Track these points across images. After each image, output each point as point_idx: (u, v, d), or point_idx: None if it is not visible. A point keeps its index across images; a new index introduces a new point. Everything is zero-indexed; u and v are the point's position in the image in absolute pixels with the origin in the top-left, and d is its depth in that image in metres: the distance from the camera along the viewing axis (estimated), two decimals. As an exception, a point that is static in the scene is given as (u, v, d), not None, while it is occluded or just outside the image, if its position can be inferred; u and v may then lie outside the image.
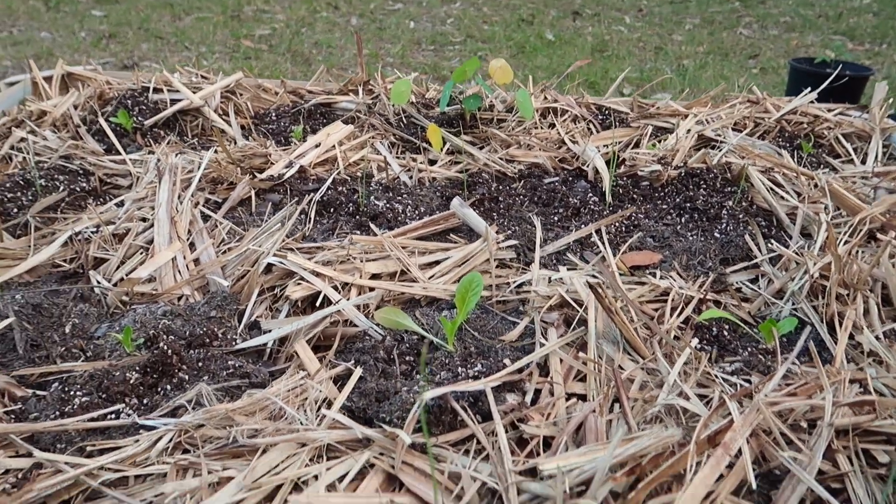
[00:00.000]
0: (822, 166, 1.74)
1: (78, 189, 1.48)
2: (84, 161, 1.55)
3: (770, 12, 5.86)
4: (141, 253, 1.28)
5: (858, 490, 0.79)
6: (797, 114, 1.93)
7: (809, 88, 1.99)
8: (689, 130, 1.80)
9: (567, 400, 0.95)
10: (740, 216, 1.46)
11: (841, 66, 3.40)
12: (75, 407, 0.94)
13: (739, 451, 0.80)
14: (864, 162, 1.76)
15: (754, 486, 0.77)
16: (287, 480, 0.79)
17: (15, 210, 1.40)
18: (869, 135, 1.85)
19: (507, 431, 0.87)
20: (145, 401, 0.96)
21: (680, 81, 4.15)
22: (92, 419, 0.91)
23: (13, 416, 0.94)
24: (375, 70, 4.01)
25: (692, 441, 0.79)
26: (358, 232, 1.38)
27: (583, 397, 0.97)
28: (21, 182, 1.46)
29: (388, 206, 1.45)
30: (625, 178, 1.58)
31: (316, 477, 0.80)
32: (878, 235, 1.29)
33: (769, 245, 1.36)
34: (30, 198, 1.43)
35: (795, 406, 0.86)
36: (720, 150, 1.68)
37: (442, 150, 1.68)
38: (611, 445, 0.78)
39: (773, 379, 0.90)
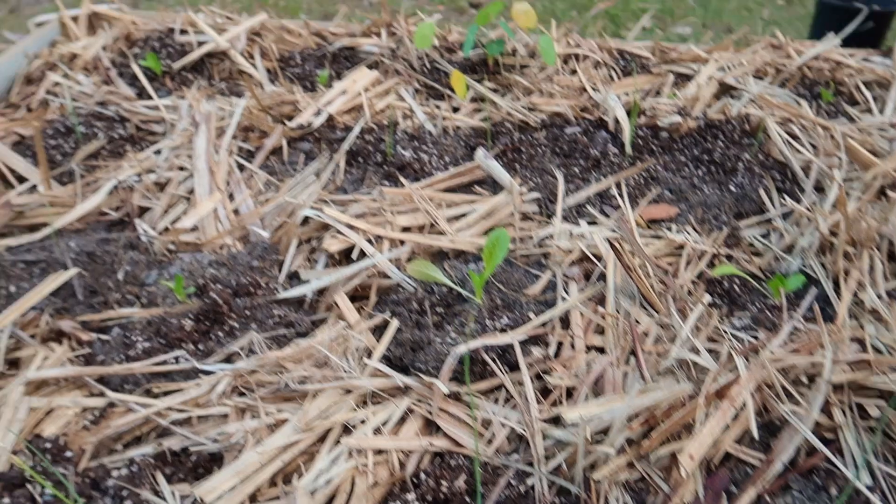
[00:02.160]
0: (840, 115, 1.76)
1: (116, 136, 1.54)
2: (119, 107, 1.60)
3: (799, -65, 5.61)
4: (182, 202, 1.35)
5: (850, 440, 0.88)
6: (819, 59, 1.93)
7: (832, 33, 1.97)
8: (710, 77, 1.81)
9: (587, 352, 1.04)
10: (756, 169, 1.50)
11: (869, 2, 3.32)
12: (138, 351, 1.03)
13: (744, 403, 0.89)
14: (882, 111, 1.78)
15: (756, 436, 0.86)
16: (336, 424, 0.89)
17: (59, 157, 1.46)
18: (890, 82, 1.86)
19: (532, 382, 0.96)
20: (200, 346, 1.06)
21: (702, 14, 4.06)
22: (156, 363, 1.01)
23: (82, 359, 1.04)
24: (393, 1, 3.91)
25: (701, 394, 0.88)
26: (386, 182, 1.43)
27: (601, 350, 1.05)
28: (62, 129, 1.51)
29: (414, 156, 1.50)
30: (644, 129, 1.61)
31: (363, 421, 0.89)
32: (888, 192, 1.34)
33: (782, 199, 1.42)
34: (72, 145, 1.49)
35: (797, 363, 0.94)
36: (740, 99, 1.70)
37: (465, 96, 1.71)
38: (628, 397, 0.87)
39: (778, 336, 0.98)
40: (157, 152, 1.49)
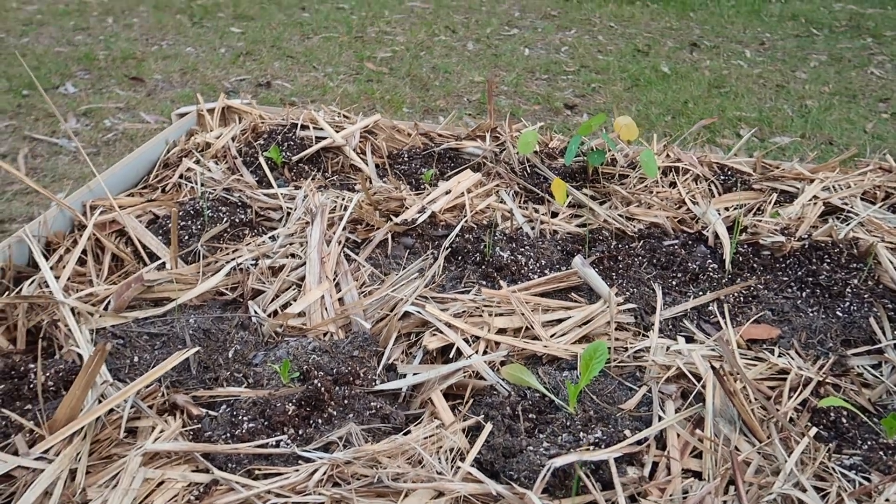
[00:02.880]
0: (956, 244, 1.70)
1: (237, 220, 1.67)
2: (242, 194, 1.74)
3: (906, 51, 5.55)
4: (293, 288, 1.44)
5: None
6: (932, 185, 1.88)
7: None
8: (814, 197, 1.79)
9: (683, 477, 1.01)
10: (865, 296, 1.45)
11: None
12: (243, 431, 1.08)
13: (856, 553, 0.84)
14: None
15: (870, 591, 0.81)
16: (429, 526, 0.90)
17: (186, 237, 1.60)
18: None
19: None
20: (300, 431, 1.10)
21: (801, 124, 4.03)
22: (259, 445, 1.05)
23: (191, 434, 1.10)
24: (498, 103, 4.09)
25: (809, 538, 0.84)
26: (484, 282, 1.48)
27: (698, 475, 1.02)
28: (191, 211, 1.65)
29: (511, 257, 1.55)
30: (745, 246, 1.60)
31: (454, 526, 0.90)
32: None
33: (895, 330, 1.36)
34: (198, 226, 1.63)
35: (916, 514, 0.88)
36: (847, 222, 1.67)
37: (564, 202, 1.76)
38: (729, 533, 0.84)
39: (894, 481, 0.93)
40: (273, 238, 1.60)
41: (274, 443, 1.07)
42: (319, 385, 1.15)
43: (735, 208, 1.76)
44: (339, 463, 1.00)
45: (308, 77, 4.39)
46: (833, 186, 1.86)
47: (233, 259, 1.50)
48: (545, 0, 6.66)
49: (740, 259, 1.57)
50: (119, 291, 1.37)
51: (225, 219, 1.65)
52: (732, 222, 1.67)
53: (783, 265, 1.55)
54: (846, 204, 1.78)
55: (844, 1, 7.12)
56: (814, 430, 1.08)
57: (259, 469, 1.03)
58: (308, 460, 1.03)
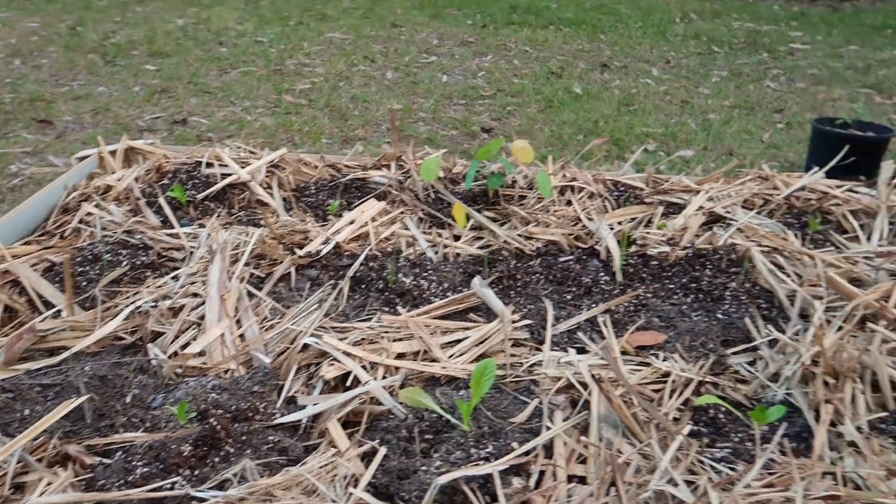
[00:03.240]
0: (828, 244, 1.83)
1: (138, 263, 1.65)
2: (144, 235, 1.73)
3: (798, 64, 5.94)
4: (193, 328, 1.44)
5: (824, 580, 0.89)
6: (805, 190, 2.02)
7: (816, 168, 2.08)
8: (699, 208, 1.91)
9: (569, 482, 1.06)
10: (743, 297, 1.56)
11: (862, 126, 3.48)
12: (137, 477, 1.08)
13: (717, 539, 0.90)
14: (869, 239, 1.84)
15: (728, 574, 0.87)
16: (318, 554, 0.92)
17: (84, 283, 1.57)
18: (875, 212, 1.93)
19: (511, 513, 0.99)
20: (196, 472, 1.10)
21: (704, 137, 4.25)
22: (151, 489, 1.05)
23: (84, 484, 1.09)
24: (409, 126, 4.18)
25: (674, 530, 0.90)
26: (386, 309, 1.51)
27: (583, 479, 1.08)
28: (90, 256, 1.63)
29: (414, 282, 1.59)
30: (635, 258, 1.69)
31: (343, 551, 0.92)
32: (869, 324, 1.38)
33: (768, 328, 1.46)
34: (97, 271, 1.61)
35: (771, 497, 0.96)
36: (727, 230, 1.79)
37: (466, 226, 1.82)
38: (600, 532, 0.89)
39: (752, 469, 1.00)
40: (175, 278, 1.60)
41: (168, 485, 1.07)
42: (216, 423, 1.15)
43: (627, 222, 1.86)
44: (232, 500, 1.01)
45: (225, 112, 4.37)
46: (717, 196, 1.99)
47: (132, 302, 1.49)
48: (462, 27, 6.83)
49: (630, 270, 1.65)
50: (10, 344, 1.34)
51: (125, 262, 1.64)
52: (623, 237, 1.76)
53: (669, 273, 1.64)
54: (729, 212, 1.90)
55: (742, 20, 7.58)
56: (688, 428, 1.15)
57: (152, 513, 1.02)
58: (202, 500, 1.03)
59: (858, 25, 7.40)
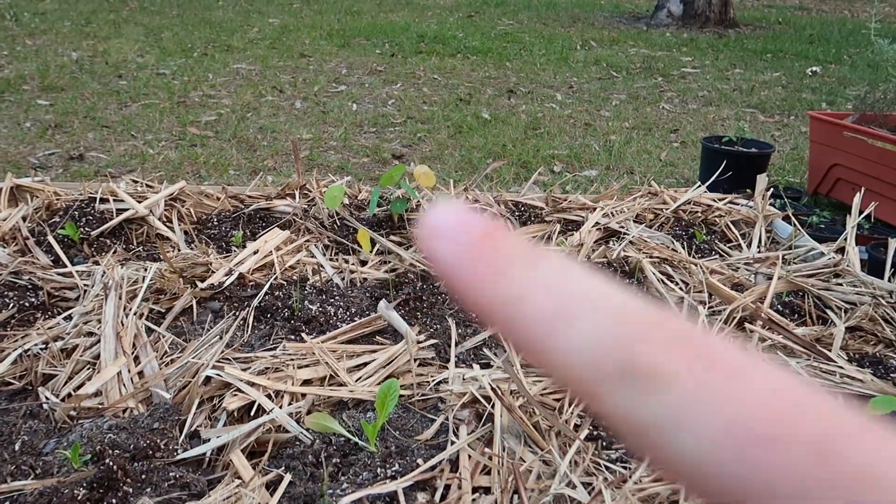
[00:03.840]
0: (713, 252, 1.96)
1: (27, 304, 1.58)
2: (33, 276, 1.66)
3: (690, 87, 6.33)
4: (88, 368, 1.39)
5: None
6: (691, 203, 2.16)
7: (699, 184, 2.23)
8: (595, 224, 2.00)
9: (473, 493, 1.09)
10: (637, 306, 1.64)
11: (745, 143, 3.75)
12: (25, 527, 1.03)
13: (611, 535, 0.95)
14: (749, 247, 1.99)
15: (621, 567, 0.91)
16: (220, 587, 0.90)
17: (-35, 329, 1.49)
18: (754, 222, 2.09)
19: (416, 528, 1.00)
20: (91, 516, 1.06)
21: (606, 157, 4.45)
22: (41, 538, 1.00)
23: (-34, 539, 1.03)
24: (319, 155, 4.16)
25: (570, 530, 0.93)
26: (293, 337, 1.51)
27: (488, 490, 1.11)
28: (-29, 301, 1.55)
29: (320, 309, 1.59)
30: (536, 273, 1.76)
31: (246, 582, 0.91)
32: (746, 325, 1.49)
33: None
34: (-20, 316, 1.52)
35: (660, 490, 1.01)
36: (621, 243, 1.88)
37: (372, 251, 1.84)
38: (500, 538, 0.92)
39: (641, 466, 1.06)
40: (68, 318, 1.53)
41: (61, 532, 1.02)
42: (111, 464, 1.12)
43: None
44: (129, 541, 0.98)
45: (126, 146, 4.24)
46: (611, 212, 2.09)
47: (19, 346, 1.42)
48: (371, 57, 6.90)
49: (532, 286, 1.72)
50: None
51: (11, 304, 1.56)
52: (525, 253, 1.82)
53: (568, 287, 1.71)
54: (622, 227, 2.00)
55: (638, 46, 8.01)
56: (585, 433, 1.20)
57: (42, 563, 0.98)
58: (97, 544, 0.99)
59: (742, 50, 7.97)
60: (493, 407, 1.26)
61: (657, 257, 1.81)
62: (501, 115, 5.24)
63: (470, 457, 1.16)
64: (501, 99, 5.74)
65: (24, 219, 1.91)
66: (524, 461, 1.16)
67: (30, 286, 1.63)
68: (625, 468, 1.12)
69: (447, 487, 1.10)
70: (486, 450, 1.17)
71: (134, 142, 4.30)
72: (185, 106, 5.05)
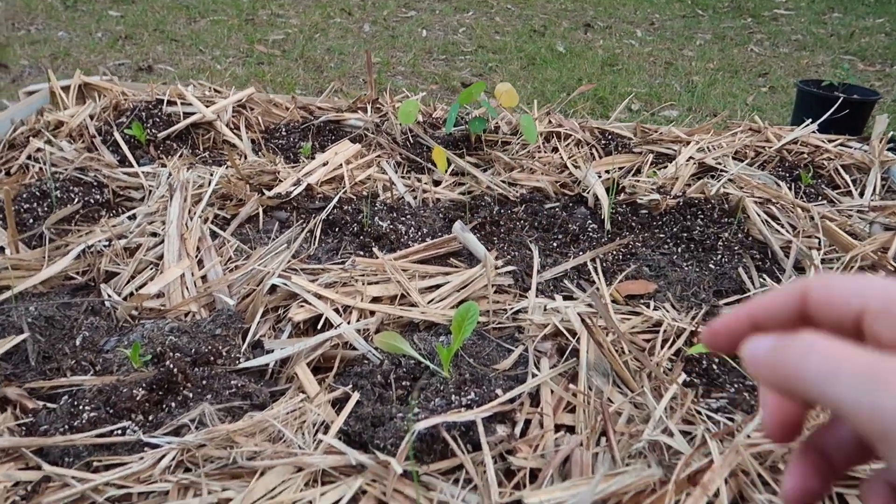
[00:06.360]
0: (820, 197, 1.77)
1: (92, 201, 1.53)
2: (98, 173, 1.60)
3: (782, 29, 5.87)
4: (151, 268, 1.33)
5: (830, 532, 0.83)
6: (798, 143, 1.96)
7: (810, 120, 2.01)
8: (689, 158, 1.83)
9: (556, 431, 0.99)
10: (736, 248, 1.49)
11: (847, 89, 3.42)
12: (84, 422, 0.98)
13: (717, 490, 0.84)
14: (862, 194, 1.79)
15: (729, 526, 0.80)
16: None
17: (31, 221, 1.45)
18: (868, 167, 1.87)
19: (495, 462, 0.91)
20: (150, 418, 1.01)
21: (688, 98, 4.18)
22: (99, 435, 0.95)
23: (24, 429, 0.98)
24: (387, 80, 4.03)
25: (672, 480, 0.82)
26: (361, 252, 1.42)
27: (571, 429, 1.00)
28: (37, 193, 1.50)
29: (391, 226, 1.49)
30: (624, 206, 1.61)
31: (311, 502, 0.84)
32: (867, 273, 1.32)
33: (762, 279, 1.40)
34: (45, 209, 1.48)
35: (774, 448, 0.89)
36: (719, 180, 1.71)
37: (446, 171, 1.72)
38: (593, 482, 0.82)
39: (753, 419, 0.94)
40: (132, 218, 1.48)
41: (119, 431, 0.97)
42: (172, 367, 1.06)
43: (614, 170, 1.78)
44: (189, 447, 0.92)
45: (194, 60, 4.17)
46: (707, 147, 1.91)
47: (83, 241, 1.37)
48: (443, -18, 6.62)
49: (619, 218, 1.57)
50: (-55, 281, 1.22)
51: (77, 199, 1.51)
52: (610, 184, 1.67)
53: (660, 223, 1.56)
54: (719, 163, 1.82)
55: (727, -16, 7.46)
56: (682, 377, 1.08)
57: (100, 461, 0.93)
58: (155, 446, 0.94)
59: (841, -7, 7.34)
60: (577, 341, 1.15)
61: (760, 197, 1.63)
62: (577, 49, 4.96)
63: (552, 392, 1.05)
64: (577, 32, 5.44)
65: (91, 117, 1.86)
66: (612, 402, 1.04)
67: (95, 183, 1.58)
68: (729, 419, 1.00)
69: (527, 422, 1.00)
70: (571, 386, 1.06)
71: (202, 56, 4.24)
72: (254, 24, 4.95)
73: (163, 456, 0.91)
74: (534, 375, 1.08)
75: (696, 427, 0.97)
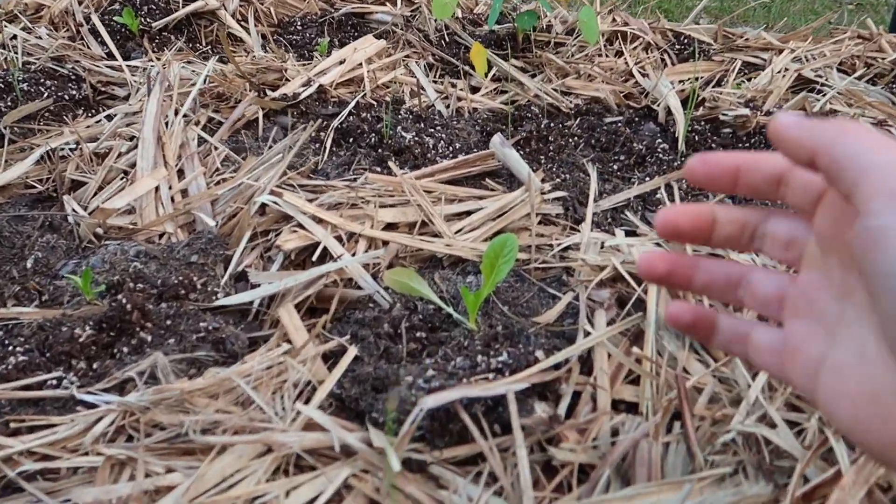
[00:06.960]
0: (945, 122, 1.43)
1: (66, 97, 1.30)
2: (77, 65, 1.36)
3: (875, -61, 5.21)
4: (122, 178, 1.10)
5: None
6: (919, 56, 1.60)
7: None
8: (784, 69, 1.50)
9: (613, 412, 0.74)
10: (844, 179, 1.19)
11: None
12: (10, 367, 0.77)
13: (846, 515, 0.59)
14: None
15: (866, 572, 0.56)
16: (239, 500, 0.61)
17: (-9, 118, 1.23)
18: None
19: (531, 452, 0.68)
20: (95, 366, 0.79)
21: (764, 14, 3.71)
22: (24, 387, 0.75)
23: (-60, 372, 0.79)
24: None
25: (787, 497, 0.58)
26: (378, 168, 1.16)
27: (634, 407, 0.76)
28: (1, 86, 1.28)
29: (416, 139, 1.23)
30: (702, 122, 1.31)
31: (276, 498, 0.62)
32: None
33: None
34: (9, 104, 1.25)
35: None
36: (822, 95, 1.39)
37: (486, 75, 1.43)
38: (681, 494, 0.57)
39: None
40: (110, 118, 1.24)
41: (53, 381, 0.77)
42: (126, 302, 0.84)
43: (691, 80, 1.46)
44: (132, 409, 0.71)
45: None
46: (805, 57, 1.57)
47: (47, 143, 1.15)
48: None
49: (696, 138, 1.28)
50: None
51: (47, 94, 1.28)
52: (687, 96, 1.37)
53: (748, 144, 1.26)
54: (820, 76, 1.49)
55: None
56: (785, 344, 0.82)
57: (22, 420, 0.72)
58: (92, 406, 0.73)
59: None
60: (644, 290, 0.89)
61: (874, 117, 1.31)
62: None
63: (610, 356, 0.80)
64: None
65: (79, 2, 1.60)
66: (689, 374, 0.79)
67: (73, 77, 1.34)
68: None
69: (575, 396, 0.76)
70: (635, 349, 0.81)
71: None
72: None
73: (99, 419, 0.70)
74: (586, 334, 0.83)
75: (809, 416, 0.72)
